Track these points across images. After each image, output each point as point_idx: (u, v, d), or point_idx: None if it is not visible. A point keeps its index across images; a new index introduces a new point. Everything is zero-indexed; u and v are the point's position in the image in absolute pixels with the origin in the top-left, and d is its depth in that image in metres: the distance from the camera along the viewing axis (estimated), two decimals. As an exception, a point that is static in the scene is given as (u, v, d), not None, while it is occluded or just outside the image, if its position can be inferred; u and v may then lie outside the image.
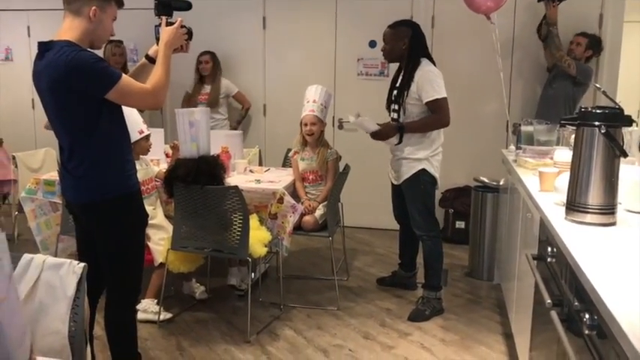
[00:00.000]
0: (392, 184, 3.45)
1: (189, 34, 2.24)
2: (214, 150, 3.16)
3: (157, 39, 2.22)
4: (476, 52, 4.60)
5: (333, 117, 4.96)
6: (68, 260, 1.68)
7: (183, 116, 2.92)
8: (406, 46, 3.11)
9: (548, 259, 1.79)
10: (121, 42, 4.59)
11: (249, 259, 3.01)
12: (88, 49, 2.04)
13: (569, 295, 1.55)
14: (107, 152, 2.10)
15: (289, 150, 3.89)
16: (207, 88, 4.83)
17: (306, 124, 3.53)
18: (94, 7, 2.02)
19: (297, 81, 4.81)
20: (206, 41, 4.82)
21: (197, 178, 2.84)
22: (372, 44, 4.74)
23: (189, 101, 4.84)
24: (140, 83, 2.09)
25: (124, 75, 2.04)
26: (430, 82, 3.04)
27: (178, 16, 2.22)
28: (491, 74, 4.33)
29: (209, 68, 4.79)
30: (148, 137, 3.17)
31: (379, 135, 3.15)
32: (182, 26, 2.20)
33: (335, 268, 3.62)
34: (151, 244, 3.14)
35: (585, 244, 1.57)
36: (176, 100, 4.88)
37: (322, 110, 3.56)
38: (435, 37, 4.54)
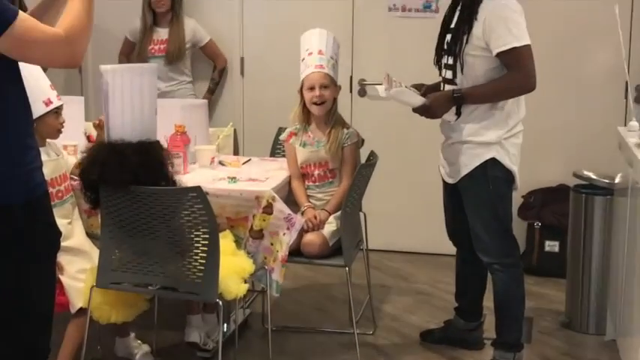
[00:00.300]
0: (444, 182, 3.45)
1: None
2: (163, 131, 3.15)
3: None
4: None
5: (351, 77, 4.94)
6: None
7: (100, 77, 2.94)
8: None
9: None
10: None
11: (220, 303, 3.00)
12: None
13: None
14: (-5, 134, 2.09)
15: (281, 130, 3.87)
16: (163, 33, 4.89)
17: (312, 88, 3.54)
18: None
19: (293, 23, 4.77)
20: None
21: (107, 177, 2.87)
22: (413, -39, 4.75)
23: (131, 54, 4.89)
24: (47, 26, 2.08)
25: (22, 13, 2.03)
26: (504, 22, 3.03)
27: None
28: (599, 9, 4.32)
29: (167, 1, 4.83)
30: (58, 111, 3.16)
31: (427, 111, 3.16)
32: None
33: (355, 316, 3.60)
34: (65, 279, 3.13)
35: None
36: (108, 53, 4.85)
37: (334, 66, 3.62)
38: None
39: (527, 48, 3.05)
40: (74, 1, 2.13)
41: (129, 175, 2.87)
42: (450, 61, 3.19)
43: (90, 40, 2.17)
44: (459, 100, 3.11)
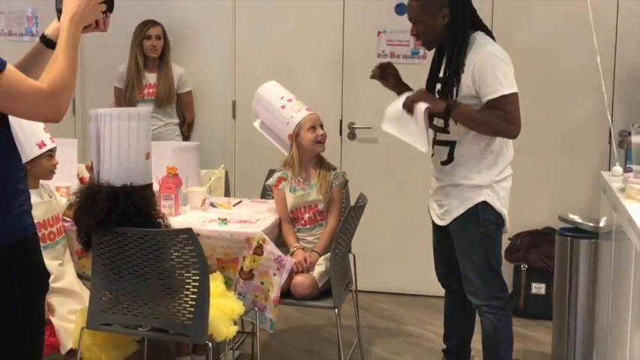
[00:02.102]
0: (434, 224, 3.44)
1: (109, 1, 2.22)
2: (155, 172, 3.17)
3: (59, 11, 2.19)
4: (558, 20, 4.61)
5: (341, 121, 5.01)
6: None
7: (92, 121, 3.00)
8: (447, 19, 3.13)
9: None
10: None
11: (209, 344, 2.98)
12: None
13: None
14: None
15: (272, 172, 3.89)
16: (150, 78, 4.93)
17: (312, 128, 3.62)
18: None
19: (285, 66, 4.86)
20: (149, 9, 4.99)
21: (98, 219, 2.88)
22: (400, 9, 4.77)
23: (122, 100, 4.91)
24: (32, 80, 2.06)
25: (9, 65, 2.01)
26: (493, 69, 3.06)
27: None
28: (583, 57, 4.28)
29: (160, 47, 4.88)
30: (52, 153, 3.20)
31: (411, 97, 3.10)
32: None
33: (344, 358, 3.54)
34: (55, 321, 3.12)
35: None
36: (97, 97, 4.96)
37: None
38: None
39: (514, 96, 3.07)
40: (58, 55, 2.10)
41: (118, 218, 2.88)
42: None
43: (73, 94, 2.16)
44: (449, 109, 3.07)
